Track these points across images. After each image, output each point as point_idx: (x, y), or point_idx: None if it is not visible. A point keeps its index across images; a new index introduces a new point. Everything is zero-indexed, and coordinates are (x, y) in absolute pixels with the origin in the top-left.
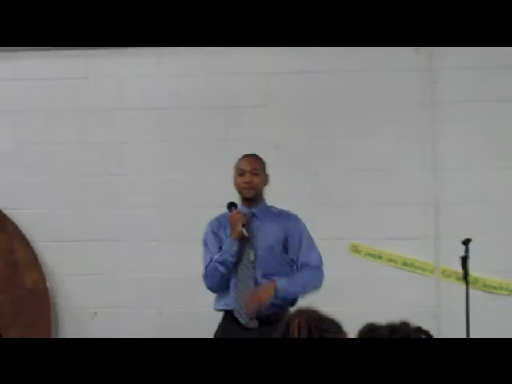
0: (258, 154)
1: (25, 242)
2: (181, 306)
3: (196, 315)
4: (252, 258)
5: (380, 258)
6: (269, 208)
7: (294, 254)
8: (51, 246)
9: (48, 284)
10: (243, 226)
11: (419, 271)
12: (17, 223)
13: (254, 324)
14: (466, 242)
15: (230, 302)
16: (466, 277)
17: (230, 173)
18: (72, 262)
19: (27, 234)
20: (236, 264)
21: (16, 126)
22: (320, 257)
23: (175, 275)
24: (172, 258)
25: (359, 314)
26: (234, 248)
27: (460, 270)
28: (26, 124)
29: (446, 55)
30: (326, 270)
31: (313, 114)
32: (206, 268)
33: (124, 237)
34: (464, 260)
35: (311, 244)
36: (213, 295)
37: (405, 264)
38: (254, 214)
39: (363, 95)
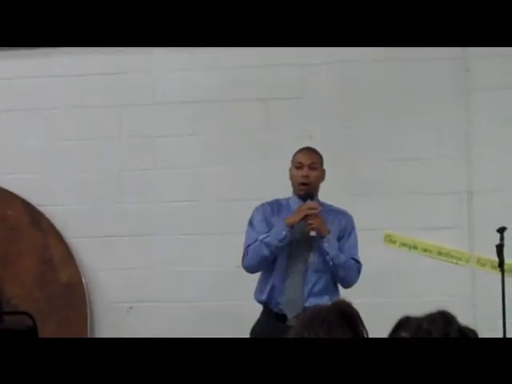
0: (293, 145)
1: (59, 239)
2: (216, 300)
3: (231, 308)
4: (310, 259)
5: (415, 247)
6: (322, 204)
7: (342, 249)
8: (86, 241)
9: (83, 279)
10: (310, 224)
11: (454, 260)
12: (51, 219)
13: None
14: (501, 230)
15: (276, 294)
16: (501, 265)
17: (265, 165)
18: (107, 257)
19: (62, 230)
20: (290, 258)
21: (51, 123)
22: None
23: (210, 269)
24: (207, 252)
25: (394, 304)
26: (283, 233)
27: (495, 258)
28: (61, 120)
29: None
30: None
31: (348, 104)
32: (247, 247)
33: (159, 231)
34: (499, 248)
35: (357, 244)
36: (248, 289)
37: (440, 253)
38: None
39: (396, 84)
